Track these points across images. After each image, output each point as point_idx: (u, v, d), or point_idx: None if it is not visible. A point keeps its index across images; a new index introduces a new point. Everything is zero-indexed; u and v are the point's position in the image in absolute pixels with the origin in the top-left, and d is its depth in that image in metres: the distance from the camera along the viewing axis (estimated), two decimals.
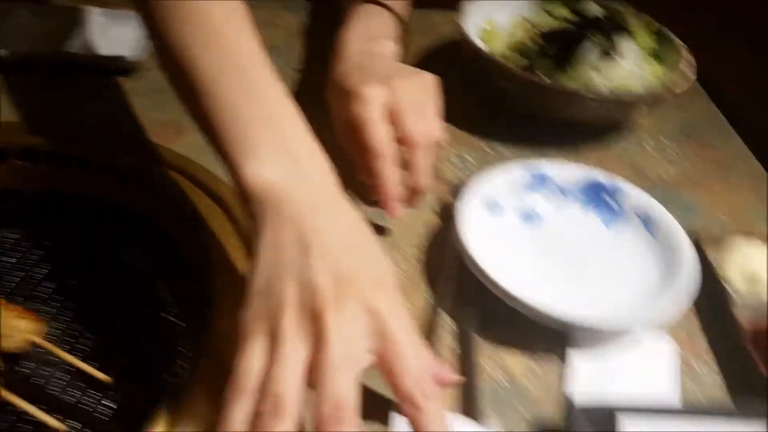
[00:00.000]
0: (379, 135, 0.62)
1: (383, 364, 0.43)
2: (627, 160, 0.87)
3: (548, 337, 0.62)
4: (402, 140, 0.64)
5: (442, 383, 0.48)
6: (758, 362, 0.58)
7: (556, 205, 0.73)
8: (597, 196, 0.72)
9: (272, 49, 0.58)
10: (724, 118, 0.98)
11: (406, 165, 0.65)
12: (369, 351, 0.43)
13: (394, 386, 0.43)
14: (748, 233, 0.72)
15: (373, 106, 0.62)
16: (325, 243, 0.45)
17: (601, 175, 0.73)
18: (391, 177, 0.62)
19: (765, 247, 0.69)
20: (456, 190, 0.73)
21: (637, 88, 0.85)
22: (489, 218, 0.69)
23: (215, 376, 0.48)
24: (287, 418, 0.40)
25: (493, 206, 0.70)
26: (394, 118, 0.63)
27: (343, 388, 0.41)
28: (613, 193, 0.72)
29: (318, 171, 0.50)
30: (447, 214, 0.72)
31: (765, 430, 0.51)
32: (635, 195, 0.71)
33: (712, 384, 0.60)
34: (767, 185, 0.85)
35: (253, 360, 0.42)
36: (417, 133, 0.63)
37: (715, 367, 0.62)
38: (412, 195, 0.66)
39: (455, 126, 0.88)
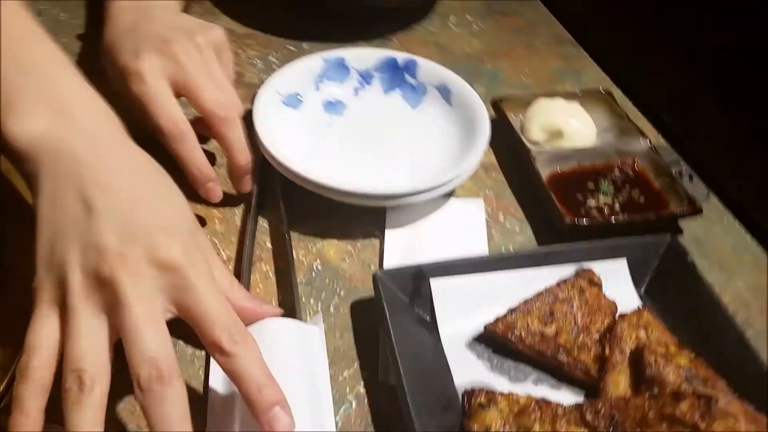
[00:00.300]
0: (167, 114, 0.54)
1: (187, 317, 0.41)
2: (432, 40, 0.87)
3: (366, 224, 0.62)
4: (200, 114, 0.56)
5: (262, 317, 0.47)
6: (558, 205, 0.60)
7: (358, 91, 0.71)
8: (396, 75, 0.71)
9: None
10: None
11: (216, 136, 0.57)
12: (169, 305, 0.41)
13: (201, 336, 0.41)
14: (551, 93, 0.74)
15: (152, 82, 0.54)
16: (109, 198, 0.41)
17: (397, 54, 0.71)
18: (193, 158, 0.55)
19: (565, 103, 0.71)
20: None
21: None
22: (290, 113, 0.67)
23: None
24: (94, 391, 0.37)
25: (292, 100, 0.68)
26: (182, 91, 0.55)
27: (155, 347, 0.38)
28: (410, 69, 0.71)
29: (96, 120, 0.45)
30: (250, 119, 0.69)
31: (571, 274, 0.53)
32: (432, 69, 0.71)
33: (521, 236, 0.62)
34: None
35: (41, 336, 0.38)
36: (214, 106, 0.56)
37: (523, 220, 0.64)
38: (233, 174, 0.59)
39: (258, 29, 0.85)
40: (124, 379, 0.38)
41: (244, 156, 0.57)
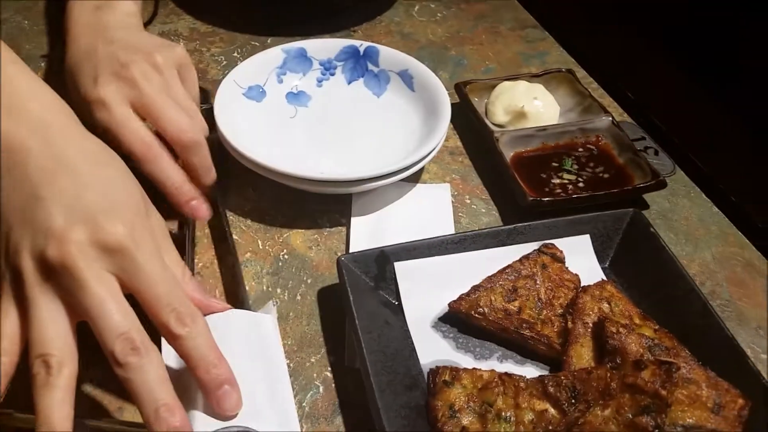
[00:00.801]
0: (137, 139, 0.51)
1: (138, 298, 0.41)
2: (396, 30, 0.87)
3: (332, 212, 0.62)
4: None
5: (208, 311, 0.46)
6: (522, 184, 0.60)
7: (321, 82, 0.71)
8: (358, 64, 0.71)
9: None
10: None
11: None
12: (119, 287, 0.41)
13: (151, 317, 0.41)
14: (515, 76, 0.74)
15: (116, 109, 0.52)
16: (56, 184, 0.40)
17: (357, 43, 0.71)
18: (170, 178, 0.52)
19: (528, 85, 0.71)
20: None
21: None
22: (252, 105, 0.67)
23: None
24: (62, 373, 0.37)
25: (254, 93, 0.68)
26: (144, 115, 0.53)
27: (122, 321, 0.38)
28: (371, 57, 0.71)
29: (47, 112, 0.44)
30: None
31: (533, 250, 0.53)
32: (393, 55, 0.71)
33: (488, 217, 0.63)
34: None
35: (2, 326, 0.38)
36: (177, 131, 0.53)
37: (489, 201, 0.64)
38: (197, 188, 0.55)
39: (221, 26, 0.85)
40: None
41: (208, 178, 0.56)
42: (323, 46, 0.72)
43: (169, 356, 0.46)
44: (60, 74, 0.74)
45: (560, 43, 0.86)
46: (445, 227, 0.60)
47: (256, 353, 0.46)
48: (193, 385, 0.44)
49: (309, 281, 0.56)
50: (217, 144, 0.60)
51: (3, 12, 0.87)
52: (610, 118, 0.67)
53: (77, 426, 0.37)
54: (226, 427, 0.42)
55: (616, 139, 0.66)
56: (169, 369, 0.45)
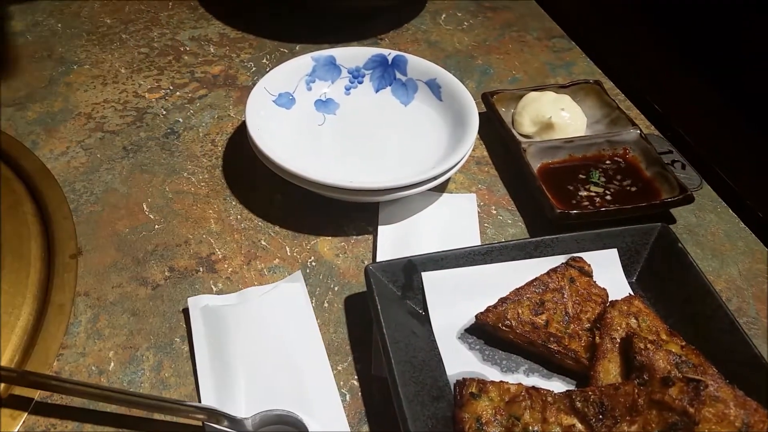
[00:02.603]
0: None
1: None
2: (422, 38, 0.87)
3: (359, 220, 0.62)
4: None
5: None
6: (549, 196, 0.60)
7: (350, 89, 0.72)
8: (386, 72, 0.72)
9: None
10: None
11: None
12: None
13: None
14: (542, 86, 0.74)
15: None
16: None
17: (386, 51, 0.72)
18: None
19: (555, 95, 0.71)
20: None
21: None
22: (282, 112, 0.67)
23: None
24: None
25: (284, 100, 0.68)
26: None
27: None
28: (399, 65, 0.72)
29: None
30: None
31: (561, 264, 0.53)
32: (421, 65, 0.71)
33: (514, 228, 0.63)
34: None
35: None
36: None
37: (515, 212, 0.64)
38: None
39: (250, 33, 0.86)
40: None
41: None
42: (352, 55, 0.72)
43: (208, 336, 0.49)
44: (91, 78, 0.76)
45: (587, 54, 0.86)
46: (471, 237, 0.61)
47: (296, 328, 0.51)
48: (237, 365, 0.48)
49: (336, 288, 0.56)
50: None
51: (37, 15, 0.88)
52: (638, 131, 0.67)
53: None
54: (270, 410, 0.44)
55: (644, 153, 0.66)
56: (210, 349, 0.48)
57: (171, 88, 0.76)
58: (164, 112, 0.73)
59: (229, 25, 0.87)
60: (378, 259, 0.58)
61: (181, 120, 0.72)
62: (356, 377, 0.50)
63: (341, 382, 0.50)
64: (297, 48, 0.84)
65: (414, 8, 0.92)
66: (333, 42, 0.82)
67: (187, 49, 0.83)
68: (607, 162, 0.66)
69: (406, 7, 0.90)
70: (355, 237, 0.61)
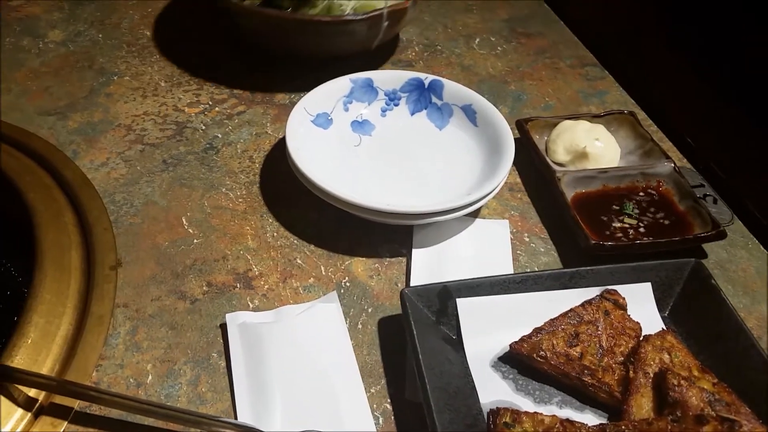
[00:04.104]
0: None
1: None
2: (456, 62, 0.88)
3: (393, 242, 0.63)
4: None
5: None
6: (583, 226, 0.61)
7: (385, 112, 0.73)
8: (422, 96, 0.73)
9: None
10: (548, 8, 1.01)
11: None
12: None
13: None
14: (575, 114, 0.75)
15: None
16: None
17: (422, 75, 0.73)
18: None
19: (589, 125, 0.72)
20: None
21: (380, 4, 0.78)
22: (319, 132, 0.69)
23: None
24: None
25: (322, 120, 0.69)
26: None
27: None
28: (435, 90, 0.73)
29: None
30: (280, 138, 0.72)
31: (596, 296, 0.54)
32: (457, 89, 0.72)
33: (546, 257, 0.63)
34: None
35: None
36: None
37: (548, 240, 0.65)
38: None
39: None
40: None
41: None
42: (389, 77, 0.73)
43: (245, 353, 0.50)
44: (131, 90, 0.77)
45: (619, 83, 0.87)
46: (504, 264, 0.61)
47: (331, 348, 0.52)
48: (273, 384, 0.49)
49: (370, 310, 0.57)
50: None
51: (78, 25, 0.90)
52: (672, 164, 0.67)
53: None
54: (306, 430, 0.45)
55: (677, 186, 0.66)
56: (247, 366, 0.49)
57: (210, 103, 0.78)
58: (203, 127, 0.74)
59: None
60: (411, 283, 0.59)
61: (219, 135, 0.73)
62: (389, 401, 0.51)
63: (374, 405, 0.50)
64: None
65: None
66: (368, 65, 0.83)
67: (226, 65, 0.84)
68: (641, 194, 0.67)
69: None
70: (388, 259, 0.62)
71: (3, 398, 0.48)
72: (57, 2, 0.94)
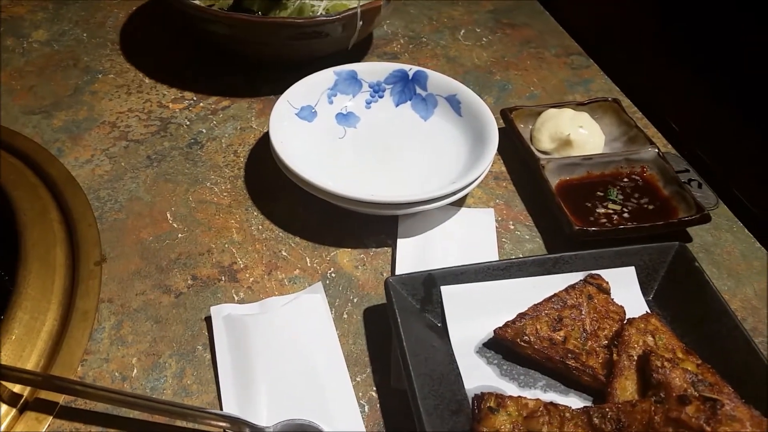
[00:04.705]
0: None
1: None
2: (441, 53, 0.89)
3: (378, 232, 0.63)
4: None
5: None
6: (567, 213, 0.61)
7: (370, 104, 0.73)
8: (406, 87, 0.73)
9: None
10: None
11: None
12: None
13: None
14: (560, 102, 0.75)
15: None
16: None
17: (407, 67, 0.73)
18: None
19: (573, 113, 0.72)
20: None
21: (353, 3, 0.77)
22: (304, 125, 0.69)
23: None
24: None
25: (306, 113, 0.69)
26: None
27: None
28: (420, 81, 0.73)
29: None
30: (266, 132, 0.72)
31: (579, 281, 0.54)
32: (441, 80, 0.72)
33: (531, 244, 0.63)
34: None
35: None
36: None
37: (533, 228, 0.65)
38: None
39: None
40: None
41: None
42: (373, 69, 0.73)
43: (231, 345, 0.50)
44: (115, 87, 0.77)
45: (605, 71, 0.87)
46: (489, 252, 0.61)
47: (316, 338, 0.52)
48: (259, 374, 0.49)
49: (355, 300, 0.57)
50: None
51: (63, 24, 0.90)
52: (656, 150, 0.68)
53: None
54: (291, 419, 0.44)
55: (662, 171, 0.66)
56: (232, 358, 0.49)
57: (194, 99, 0.78)
58: (188, 123, 0.74)
59: None
60: (397, 272, 0.59)
61: (204, 130, 0.73)
62: (375, 389, 0.51)
63: (360, 394, 0.50)
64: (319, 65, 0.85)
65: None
66: (352, 59, 0.83)
67: (212, 61, 0.84)
68: (625, 180, 0.67)
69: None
70: (374, 249, 0.62)
71: None
72: (41, 2, 0.94)
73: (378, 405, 0.50)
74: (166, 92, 0.79)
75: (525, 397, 0.46)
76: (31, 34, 0.88)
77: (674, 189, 0.65)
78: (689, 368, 0.48)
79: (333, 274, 0.59)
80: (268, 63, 0.81)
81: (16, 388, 0.49)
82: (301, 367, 0.50)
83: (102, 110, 0.76)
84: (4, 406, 0.48)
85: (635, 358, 0.49)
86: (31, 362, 0.50)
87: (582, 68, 0.87)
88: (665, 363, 0.47)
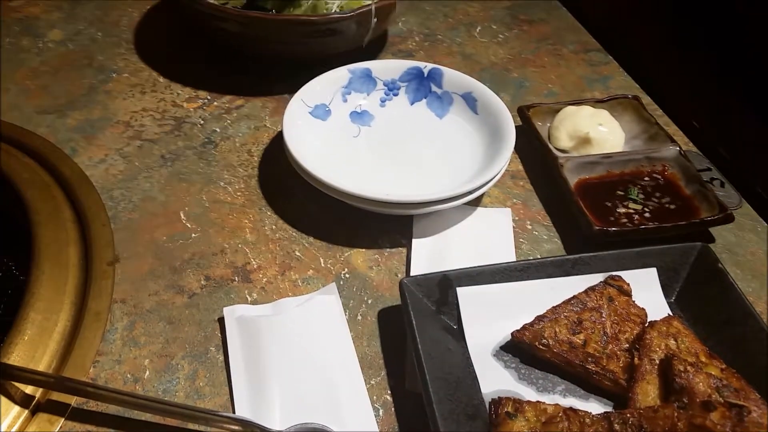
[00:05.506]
0: None
1: None
2: (457, 50, 0.87)
3: (393, 232, 0.62)
4: None
5: None
6: (587, 212, 0.59)
7: (385, 102, 0.72)
8: (421, 85, 0.72)
9: None
10: None
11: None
12: None
13: None
14: (579, 100, 0.73)
15: None
16: None
17: (421, 64, 0.72)
18: None
19: (592, 110, 0.70)
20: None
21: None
22: (318, 124, 0.68)
23: None
24: None
25: (320, 111, 0.69)
26: None
27: None
28: (435, 78, 0.72)
29: None
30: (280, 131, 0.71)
31: (599, 282, 0.52)
32: (457, 78, 0.71)
33: (550, 244, 0.62)
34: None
35: None
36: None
37: (551, 228, 0.64)
38: None
39: None
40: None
41: None
42: (388, 67, 0.72)
43: (244, 347, 0.49)
44: (130, 87, 0.77)
45: (624, 68, 0.85)
46: (506, 253, 0.60)
47: (330, 341, 0.52)
48: (272, 377, 0.48)
49: (369, 301, 0.56)
50: None
51: (78, 23, 0.90)
52: (678, 148, 0.66)
53: None
54: (305, 423, 0.44)
55: (683, 170, 0.65)
56: (245, 360, 0.49)
57: (209, 98, 0.77)
58: (202, 122, 0.74)
59: None
60: (412, 273, 0.58)
61: (218, 130, 0.73)
62: (389, 392, 0.50)
63: (374, 397, 0.49)
64: (333, 63, 0.84)
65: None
66: (368, 54, 0.82)
67: (226, 60, 0.83)
68: (646, 178, 0.65)
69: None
70: (388, 249, 0.61)
71: (0, 396, 0.47)
72: (56, 2, 0.94)
73: (393, 409, 0.49)
74: (180, 91, 0.78)
75: (544, 402, 0.45)
76: (46, 33, 0.88)
77: (696, 188, 0.63)
78: (713, 373, 0.46)
79: (347, 275, 0.58)
80: (281, 61, 0.80)
81: (29, 389, 0.48)
82: (315, 370, 0.49)
83: (116, 109, 0.75)
84: (17, 408, 0.47)
85: (657, 362, 0.48)
86: (43, 363, 0.50)
87: (600, 65, 0.86)
88: (688, 367, 0.46)
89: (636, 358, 0.48)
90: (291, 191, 0.65)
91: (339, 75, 0.70)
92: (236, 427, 0.45)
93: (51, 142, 0.70)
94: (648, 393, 0.47)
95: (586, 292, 0.51)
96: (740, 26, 0.74)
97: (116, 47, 0.86)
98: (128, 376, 0.50)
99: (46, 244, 0.58)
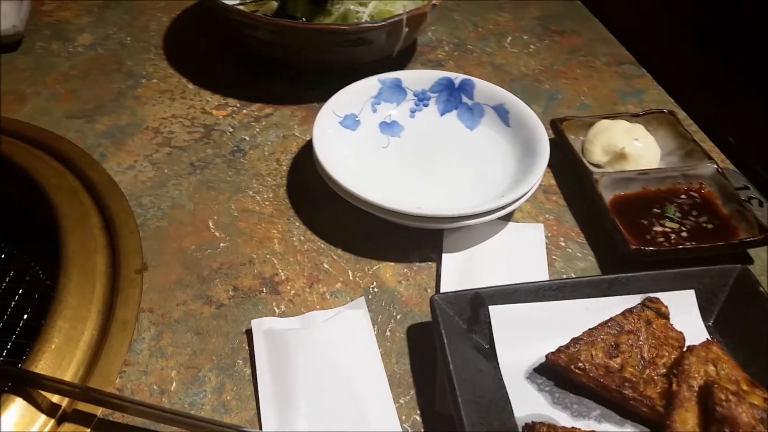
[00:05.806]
0: None
1: None
2: (487, 61, 0.86)
3: (423, 246, 0.61)
4: None
5: None
6: (623, 230, 0.58)
7: (415, 112, 0.71)
8: (452, 96, 0.71)
9: None
10: (582, 4, 0.98)
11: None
12: None
13: None
14: (612, 113, 0.72)
15: None
16: None
17: (452, 75, 0.71)
18: None
19: (628, 124, 0.69)
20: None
21: (398, 8, 0.78)
22: (347, 134, 0.67)
23: None
24: None
25: (349, 121, 0.68)
26: None
27: None
28: (466, 89, 0.71)
29: None
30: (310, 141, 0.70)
31: (637, 304, 0.51)
32: (488, 89, 0.70)
33: (584, 262, 0.61)
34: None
35: None
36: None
37: (585, 245, 0.62)
38: None
39: None
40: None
41: None
42: (418, 77, 0.71)
43: (271, 361, 0.48)
44: (159, 93, 0.77)
45: (658, 82, 0.84)
46: (539, 270, 0.59)
47: (359, 357, 0.51)
48: (299, 393, 0.48)
49: (398, 317, 0.55)
50: None
51: (107, 28, 0.90)
52: (715, 166, 0.64)
53: None
54: None
55: (721, 188, 0.63)
56: (272, 374, 0.48)
57: (238, 105, 0.77)
58: (231, 130, 0.73)
59: None
60: (442, 289, 0.57)
61: (247, 138, 0.72)
62: (419, 412, 0.49)
63: (403, 417, 0.48)
64: (362, 71, 0.83)
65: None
66: (397, 65, 0.82)
67: (255, 67, 0.83)
68: (682, 196, 0.64)
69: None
70: (418, 264, 0.60)
71: (27, 404, 0.47)
72: (87, 6, 0.94)
73: (422, 430, 0.48)
74: (210, 98, 0.78)
75: (578, 429, 0.44)
76: (76, 38, 0.88)
77: (734, 207, 0.62)
78: (756, 402, 0.45)
79: (375, 289, 0.57)
80: (311, 70, 0.80)
81: (55, 398, 0.48)
82: (343, 386, 0.48)
83: (145, 115, 0.75)
84: (43, 417, 0.47)
85: (696, 389, 0.46)
86: (69, 372, 0.50)
87: (634, 77, 0.84)
88: (730, 396, 0.44)
89: (674, 384, 0.46)
90: (319, 201, 0.64)
91: (369, 84, 0.70)
92: None
93: (80, 147, 0.70)
94: (687, 421, 0.45)
95: (623, 314, 0.50)
96: None
97: (145, 52, 0.86)
98: (155, 387, 0.50)
99: (74, 251, 0.58)
